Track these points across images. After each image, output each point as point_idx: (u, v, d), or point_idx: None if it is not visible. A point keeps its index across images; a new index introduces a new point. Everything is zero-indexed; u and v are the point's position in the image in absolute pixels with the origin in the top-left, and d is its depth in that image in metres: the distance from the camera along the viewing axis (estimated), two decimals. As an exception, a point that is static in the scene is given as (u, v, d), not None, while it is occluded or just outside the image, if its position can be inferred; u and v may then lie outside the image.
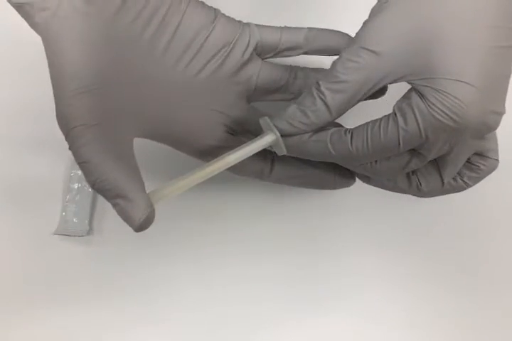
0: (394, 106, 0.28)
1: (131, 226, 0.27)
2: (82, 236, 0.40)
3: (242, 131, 0.34)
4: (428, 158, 0.29)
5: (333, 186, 0.35)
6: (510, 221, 0.42)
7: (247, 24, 0.33)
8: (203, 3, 0.32)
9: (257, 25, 0.33)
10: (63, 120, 0.27)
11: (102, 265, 0.40)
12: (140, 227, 0.27)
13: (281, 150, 0.31)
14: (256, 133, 0.32)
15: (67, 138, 0.27)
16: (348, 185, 0.35)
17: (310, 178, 0.35)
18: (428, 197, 0.33)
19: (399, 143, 0.28)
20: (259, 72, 0.34)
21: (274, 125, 0.30)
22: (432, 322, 0.40)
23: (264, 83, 0.34)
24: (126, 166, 0.28)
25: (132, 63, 0.30)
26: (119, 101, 0.29)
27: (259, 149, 0.31)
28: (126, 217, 0.27)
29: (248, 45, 0.33)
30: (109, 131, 0.28)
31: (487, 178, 0.32)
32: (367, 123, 0.29)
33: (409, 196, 0.34)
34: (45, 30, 0.27)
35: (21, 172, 0.40)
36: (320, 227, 0.41)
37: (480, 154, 0.31)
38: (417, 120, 0.27)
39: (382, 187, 0.34)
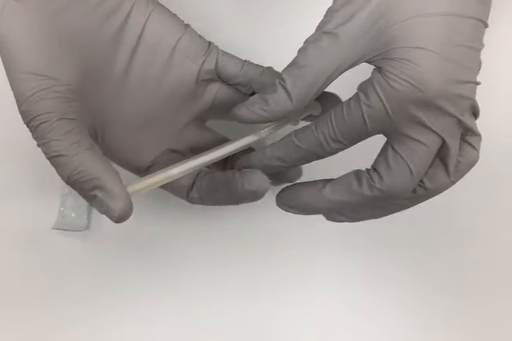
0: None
1: (111, 217, 0.27)
2: (80, 230, 0.40)
3: (188, 151, 0.33)
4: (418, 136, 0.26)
5: (242, 196, 0.30)
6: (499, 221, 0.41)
7: (216, 46, 0.32)
8: (173, 14, 0.31)
9: (222, 51, 0.32)
10: (26, 118, 0.27)
11: (100, 260, 0.40)
12: (120, 218, 0.27)
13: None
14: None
15: (34, 134, 0.27)
16: (256, 194, 0.30)
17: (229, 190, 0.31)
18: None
19: (364, 121, 0.27)
20: (216, 92, 0.32)
21: (235, 113, 0.29)
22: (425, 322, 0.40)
23: (221, 103, 0.33)
24: (99, 158, 0.27)
25: (88, 62, 0.29)
26: (75, 98, 0.28)
27: (244, 146, 0.31)
28: (106, 208, 0.27)
29: (213, 64, 0.31)
30: (73, 125, 0.27)
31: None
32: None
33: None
34: None
35: (19, 167, 0.40)
36: (304, 228, 0.40)
37: (462, 139, 0.29)
38: (377, 93, 0.26)
39: (389, 212, 0.31)
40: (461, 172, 0.29)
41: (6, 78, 0.27)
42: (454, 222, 0.41)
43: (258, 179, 0.30)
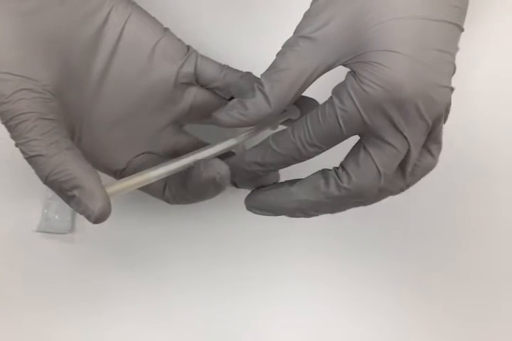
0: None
1: (89, 217, 0.27)
2: (64, 233, 0.40)
3: (165, 154, 0.33)
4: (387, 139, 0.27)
5: (203, 186, 0.30)
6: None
7: (195, 50, 0.32)
8: (152, 17, 0.32)
9: (201, 55, 0.32)
10: (5, 118, 0.27)
11: (84, 262, 0.40)
12: (99, 218, 0.27)
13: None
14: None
15: (12, 133, 0.27)
16: (215, 181, 0.29)
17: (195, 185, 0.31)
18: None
19: (339, 124, 0.27)
20: (194, 96, 0.33)
21: (215, 117, 0.29)
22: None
23: (199, 107, 0.33)
24: (79, 158, 0.27)
25: (67, 62, 0.29)
26: (54, 98, 0.28)
27: (223, 150, 0.31)
28: (84, 208, 0.27)
29: (192, 68, 0.32)
30: (52, 125, 0.27)
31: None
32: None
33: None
34: None
35: (2, 169, 0.40)
36: (289, 230, 0.41)
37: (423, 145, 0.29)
38: (351, 97, 0.26)
39: (346, 208, 0.31)
40: (415, 177, 0.29)
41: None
42: (437, 223, 0.41)
43: (215, 165, 0.29)
